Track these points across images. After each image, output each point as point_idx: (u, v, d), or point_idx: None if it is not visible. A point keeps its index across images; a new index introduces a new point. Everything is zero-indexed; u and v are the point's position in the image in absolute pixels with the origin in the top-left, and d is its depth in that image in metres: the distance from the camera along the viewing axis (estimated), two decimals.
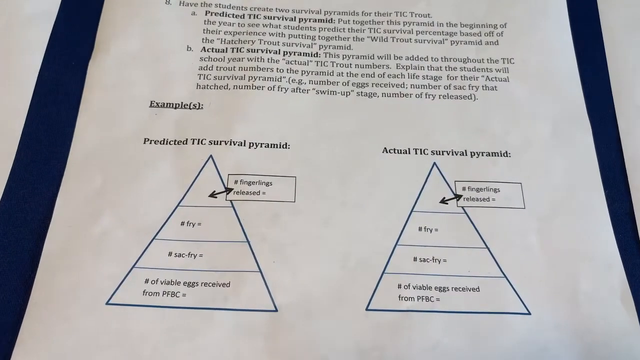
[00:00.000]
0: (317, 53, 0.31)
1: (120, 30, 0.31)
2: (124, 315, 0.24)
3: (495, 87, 0.30)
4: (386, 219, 0.27)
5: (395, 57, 0.31)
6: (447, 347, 0.24)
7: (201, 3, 0.32)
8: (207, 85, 0.30)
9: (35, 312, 0.24)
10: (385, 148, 0.28)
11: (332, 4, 0.32)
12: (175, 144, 0.28)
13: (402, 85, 0.30)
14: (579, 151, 0.29)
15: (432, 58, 0.31)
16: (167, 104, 0.29)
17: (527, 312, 0.25)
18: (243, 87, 0.30)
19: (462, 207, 0.27)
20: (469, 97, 0.30)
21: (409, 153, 0.28)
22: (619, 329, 0.25)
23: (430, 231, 0.27)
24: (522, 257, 0.26)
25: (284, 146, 0.28)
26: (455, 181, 0.28)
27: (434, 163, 0.28)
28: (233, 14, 0.32)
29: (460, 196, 0.27)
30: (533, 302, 0.25)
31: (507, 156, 0.28)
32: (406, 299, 0.25)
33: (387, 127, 0.29)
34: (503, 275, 0.26)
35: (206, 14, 0.32)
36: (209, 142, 0.28)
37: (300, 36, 0.31)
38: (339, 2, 0.32)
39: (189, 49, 0.31)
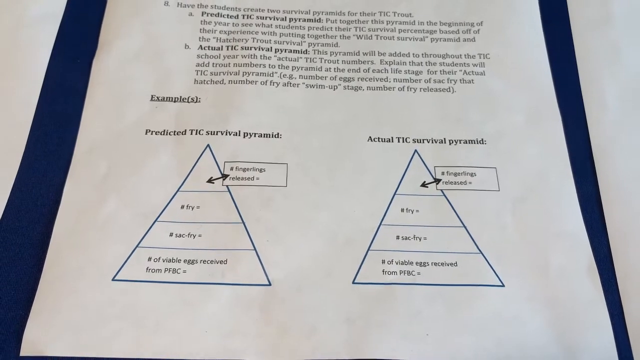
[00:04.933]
0: (306, 50, 0.33)
1: (122, 30, 0.33)
2: (129, 290, 0.26)
3: (472, 80, 0.32)
4: (371, 201, 0.29)
5: (379, 54, 0.33)
6: (427, 316, 0.26)
7: (198, 4, 0.34)
8: (204, 80, 0.32)
9: (46, 288, 0.26)
10: (370, 137, 0.31)
11: (321, 5, 0.35)
12: (174, 134, 0.30)
13: (386, 80, 0.32)
14: (549, 138, 0.31)
15: (413, 54, 0.33)
16: (166, 97, 0.31)
17: (501, 284, 0.27)
18: (238, 82, 0.32)
19: (441, 190, 0.29)
20: (448, 90, 0.32)
21: (392, 141, 0.31)
22: (585, 300, 0.27)
23: (412, 212, 0.29)
24: (497, 235, 0.28)
25: (276, 136, 0.30)
26: (434, 166, 0.30)
27: (415, 150, 0.30)
28: (228, 15, 0.34)
29: (440, 180, 0.30)
30: (506, 276, 0.27)
31: (483, 143, 0.31)
32: (389, 273, 0.27)
33: (372, 118, 0.31)
34: (479, 252, 0.28)
35: (202, 15, 0.34)
36: (206, 132, 0.30)
37: (291, 35, 0.34)
38: (327, 2, 0.35)
39: (186, 47, 0.33)
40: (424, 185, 0.29)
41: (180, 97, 0.31)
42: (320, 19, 0.34)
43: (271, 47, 0.33)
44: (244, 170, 0.29)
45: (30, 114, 0.30)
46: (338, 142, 0.30)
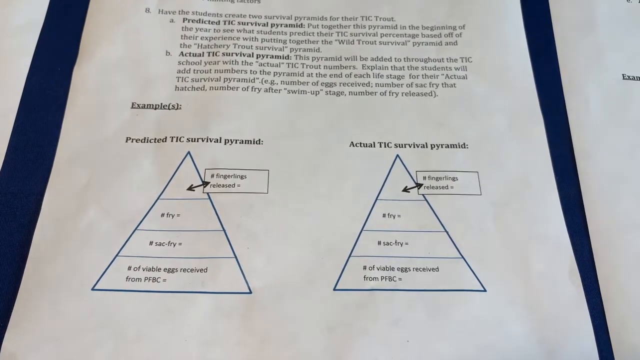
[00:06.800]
0: (288, 55, 0.33)
1: (103, 38, 0.33)
2: (109, 300, 0.26)
3: (454, 84, 0.32)
4: (353, 207, 0.29)
5: (361, 58, 0.33)
6: (409, 322, 0.26)
7: (179, 11, 0.34)
8: (185, 87, 0.32)
9: (25, 298, 0.26)
10: (352, 142, 0.31)
11: (302, 10, 0.34)
12: (155, 142, 0.30)
13: (368, 84, 0.32)
14: (532, 142, 0.31)
15: (395, 58, 0.33)
16: (147, 105, 0.31)
17: (483, 289, 0.27)
18: (219, 88, 0.32)
19: (423, 195, 0.29)
20: (430, 94, 0.32)
21: (374, 146, 0.30)
22: (567, 304, 0.27)
23: (394, 217, 0.29)
24: (479, 239, 0.28)
25: (258, 142, 0.30)
26: (416, 171, 0.30)
27: (397, 155, 0.30)
28: (209, 21, 0.34)
29: (421, 185, 0.29)
30: (489, 280, 0.27)
31: (465, 148, 0.31)
32: (371, 279, 0.27)
33: (354, 123, 0.31)
34: (461, 256, 0.28)
35: (184, 21, 0.34)
36: (187, 139, 0.30)
37: (272, 40, 0.33)
38: (309, 8, 0.35)
39: (167, 53, 0.33)
40: (405, 190, 0.29)
41: (161, 104, 0.31)
42: (301, 24, 0.34)
43: (252, 53, 0.33)
44: (225, 177, 0.29)
45: (10, 122, 0.30)
46: (320, 147, 0.30)
